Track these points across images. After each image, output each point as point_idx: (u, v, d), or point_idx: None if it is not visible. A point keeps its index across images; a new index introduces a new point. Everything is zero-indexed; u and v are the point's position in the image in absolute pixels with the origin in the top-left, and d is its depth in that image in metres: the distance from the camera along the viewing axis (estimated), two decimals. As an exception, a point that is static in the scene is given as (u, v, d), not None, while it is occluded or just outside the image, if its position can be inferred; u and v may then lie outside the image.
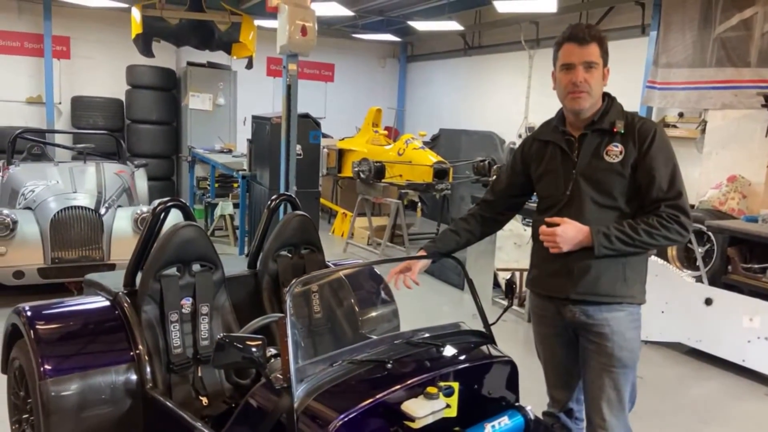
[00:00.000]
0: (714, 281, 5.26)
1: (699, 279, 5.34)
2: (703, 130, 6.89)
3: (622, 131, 2.27)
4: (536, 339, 2.63)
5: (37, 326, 2.55)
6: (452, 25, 9.72)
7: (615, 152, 2.26)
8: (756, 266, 5.21)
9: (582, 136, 2.33)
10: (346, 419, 1.76)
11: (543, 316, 2.53)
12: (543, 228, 2.27)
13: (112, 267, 5.09)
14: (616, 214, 2.28)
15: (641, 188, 2.25)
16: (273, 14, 5.65)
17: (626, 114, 2.33)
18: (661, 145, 2.24)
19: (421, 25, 10.10)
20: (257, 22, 8.75)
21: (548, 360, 2.59)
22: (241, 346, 1.86)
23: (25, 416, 2.70)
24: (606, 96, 2.36)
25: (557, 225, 2.24)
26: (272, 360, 2.16)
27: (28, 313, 2.60)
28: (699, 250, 5.52)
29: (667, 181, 2.21)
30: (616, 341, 2.31)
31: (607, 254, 2.21)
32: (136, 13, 8.04)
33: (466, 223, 2.63)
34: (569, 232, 2.21)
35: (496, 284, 6.17)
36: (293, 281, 2.03)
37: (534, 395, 2.63)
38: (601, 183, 2.28)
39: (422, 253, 2.58)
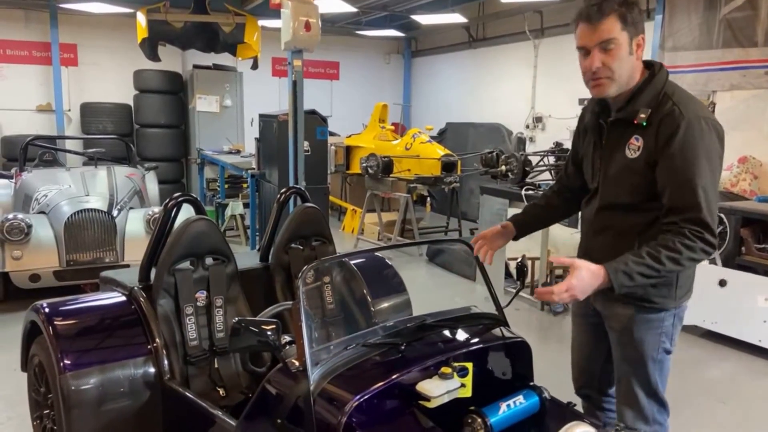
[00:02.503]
0: (728, 263, 5.23)
1: (713, 261, 5.31)
2: (713, 112, 6.84)
3: (644, 123, 1.97)
4: (572, 317, 2.60)
5: (56, 322, 2.60)
6: (456, 18, 9.70)
7: (635, 146, 2.00)
8: (770, 246, 5.17)
9: (610, 124, 2.10)
10: (361, 400, 1.78)
11: None
12: (550, 289, 1.91)
13: (126, 268, 5.14)
14: (636, 216, 2.06)
15: (658, 190, 1.97)
16: (276, 13, 5.67)
17: (662, 96, 1.98)
18: (685, 143, 1.88)
19: (424, 19, 10.09)
20: (261, 22, 8.79)
21: (574, 338, 2.58)
22: (256, 330, 1.89)
23: (46, 412, 2.74)
24: (650, 68, 2.04)
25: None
26: (287, 346, 2.19)
27: (46, 310, 2.65)
28: (712, 233, 5.49)
29: (685, 188, 1.88)
30: (622, 338, 2.22)
31: (626, 289, 1.94)
32: (141, 18, 8.11)
33: (549, 200, 2.52)
34: (585, 278, 1.89)
35: (508, 274, 6.17)
36: (305, 267, 2.06)
37: (548, 380, 2.63)
38: (618, 181, 2.07)
39: (508, 225, 2.45)
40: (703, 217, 1.88)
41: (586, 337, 2.46)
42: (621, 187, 2.07)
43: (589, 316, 2.40)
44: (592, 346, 2.44)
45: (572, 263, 1.92)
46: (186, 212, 3.13)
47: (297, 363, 1.91)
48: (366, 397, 1.79)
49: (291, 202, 4.03)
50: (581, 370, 2.54)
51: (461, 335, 2.19)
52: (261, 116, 7.72)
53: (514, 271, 6.09)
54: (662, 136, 1.93)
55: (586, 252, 2.25)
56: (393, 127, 10.06)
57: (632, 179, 2.03)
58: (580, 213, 2.42)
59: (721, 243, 5.53)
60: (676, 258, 1.88)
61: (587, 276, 1.89)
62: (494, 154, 8.32)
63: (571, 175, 2.44)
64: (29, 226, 5.08)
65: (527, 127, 9.89)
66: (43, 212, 5.46)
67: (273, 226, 3.36)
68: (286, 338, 2.20)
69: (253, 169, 7.59)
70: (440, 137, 10.96)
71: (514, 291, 2.54)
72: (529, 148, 9.69)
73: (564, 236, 6.54)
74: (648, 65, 2.07)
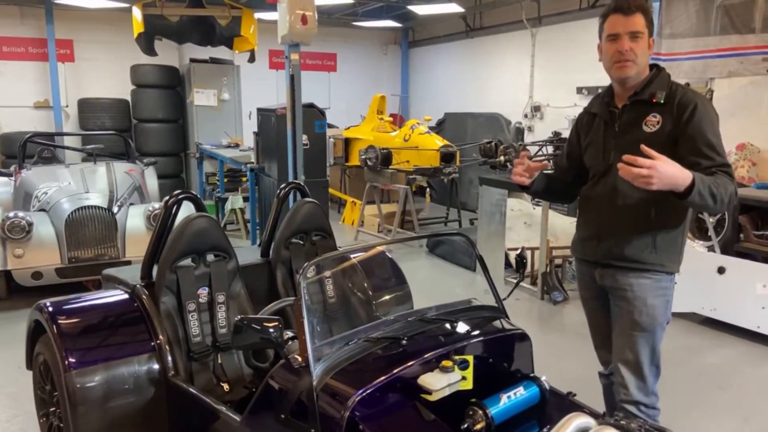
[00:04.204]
0: (726, 250, 5.25)
1: (711, 248, 5.34)
2: (711, 100, 6.83)
3: (662, 101, 2.30)
4: (581, 302, 2.74)
5: (60, 321, 2.62)
6: (453, 8, 9.67)
7: (653, 122, 2.31)
8: (768, 233, 5.19)
9: (624, 108, 2.39)
10: (364, 394, 1.81)
11: (582, 279, 2.65)
12: (636, 158, 2.00)
13: (127, 264, 5.16)
14: None
15: (684, 160, 2.18)
16: (273, 6, 5.67)
17: (671, 84, 2.35)
18: (702, 116, 2.23)
19: (421, 9, 10.05)
20: (257, 15, 8.75)
21: (590, 321, 2.71)
22: (258, 327, 1.91)
23: (52, 409, 2.77)
24: (654, 66, 2.40)
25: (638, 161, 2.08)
26: (290, 342, 2.22)
27: (50, 309, 2.67)
28: (710, 220, 5.51)
29: (713, 150, 2.21)
30: (637, 306, 2.38)
31: (694, 202, 2.06)
32: (137, 13, 8.08)
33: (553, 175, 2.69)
34: (669, 170, 2.00)
35: (508, 264, 6.20)
36: (306, 264, 2.08)
37: (549, 370, 2.66)
38: (636, 153, 2.22)
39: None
40: (731, 171, 2.20)
41: (604, 316, 2.59)
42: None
43: (599, 298, 2.58)
44: (611, 323, 2.55)
45: (659, 156, 2.02)
46: (186, 209, 3.15)
47: (300, 359, 1.94)
48: (368, 391, 1.82)
49: (291, 196, 4.04)
50: (607, 347, 2.61)
51: (462, 328, 2.22)
52: (259, 110, 7.71)
53: (513, 262, 6.13)
54: (682, 110, 2.25)
55: (597, 227, 2.44)
56: (391, 119, 10.06)
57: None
58: (579, 200, 2.61)
59: (719, 230, 5.55)
60: (727, 188, 2.11)
61: (672, 169, 2.01)
62: (493, 144, 8.34)
63: (564, 169, 2.68)
64: (30, 224, 5.10)
65: (525, 116, 9.89)
66: (43, 210, 5.48)
67: (273, 222, 3.38)
68: (289, 334, 2.22)
69: (252, 163, 7.59)
70: (439, 128, 10.96)
71: (515, 281, 2.58)
72: (528, 137, 9.70)
73: (564, 225, 6.57)
74: (651, 66, 2.41)
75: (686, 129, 2.24)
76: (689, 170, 2.05)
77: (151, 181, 7.13)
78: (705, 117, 2.24)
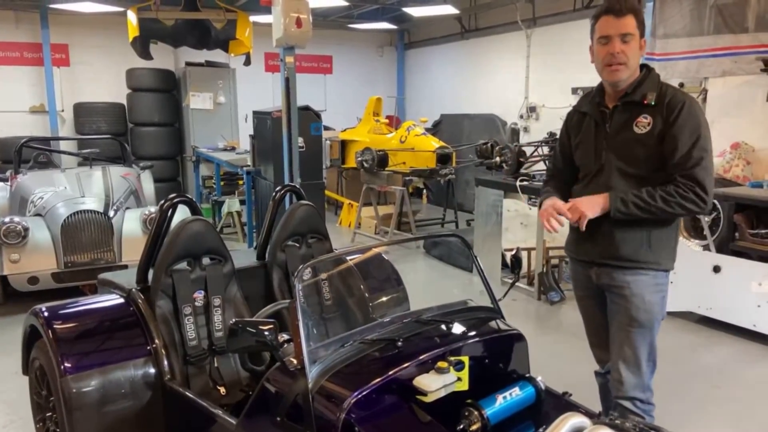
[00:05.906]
0: (722, 249, 5.26)
1: (706, 247, 5.35)
2: (705, 99, 6.85)
3: (653, 103, 2.33)
4: (576, 301, 2.76)
5: (55, 326, 2.62)
6: (448, 9, 9.68)
7: (644, 123, 2.34)
8: (763, 231, 5.18)
9: (615, 108, 2.42)
10: (359, 396, 1.81)
11: (577, 279, 2.67)
12: (563, 211, 2.35)
13: (124, 268, 5.15)
14: (642, 183, 2.33)
15: (666, 158, 2.30)
16: (268, 9, 5.66)
17: (662, 86, 2.38)
18: (688, 116, 2.27)
19: (416, 11, 10.06)
20: (252, 18, 8.75)
21: (586, 321, 2.73)
22: (253, 330, 1.91)
23: (48, 414, 2.77)
24: (644, 67, 2.43)
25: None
26: (285, 345, 2.21)
27: (45, 314, 2.67)
28: (705, 219, 5.52)
29: (686, 152, 2.25)
30: (635, 302, 2.41)
31: (623, 219, 2.27)
32: (132, 16, 8.06)
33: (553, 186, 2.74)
34: (587, 202, 2.31)
35: (505, 265, 6.21)
36: (300, 267, 2.08)
37: (546, 370, 2.66)
38: (628, 153, 2.35)
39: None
40: (697, 174, 2.24)
41: (599, 315, 2.61)
42: (630, 158, 2.37)
43: (594, 297, 2.60)
44: (607, 321, 2.58)
45: (571, 201, 2.36)
46: (182, 213, 3.14)
47: (295, 361, 1.94)
48: (364, 393, 1.82)
49: (287, 199, 4.04)
50: (604, 346, 2.63)
51: (457, 329, 2.22)
52: (255, 113, 7.71)
53: (509, 262, 6.14)
54: (671, 110, 2.28)
55: (592, 227, 2.42)
56: (387, 120, 10.07)
57: (641, 151, 2.34)
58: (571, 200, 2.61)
59: (714, 229, 5.55)
60: (668, 199, 2.24)
61: (589, 200, 2.32)
62: (489, 145, 8.34)
63: (561, 169, 2.70)
64: (26, 229, 5.09)
65: (521, 117, 9.90)
66: (39, 215, 5.47)
67: (269, 225, 3.38)
68: (284, 336, 2.22)
69: (249, 165, 7.59)
70: (435, 129, 10.96)
71: (510, 281, 2.59)
72: (524, 138, 9.70)
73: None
74: (641, 66, 2.44)
75: (671, 128, 2.28)
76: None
77: (148, 185, 7.13)
78: (690, 118, 2.27)
